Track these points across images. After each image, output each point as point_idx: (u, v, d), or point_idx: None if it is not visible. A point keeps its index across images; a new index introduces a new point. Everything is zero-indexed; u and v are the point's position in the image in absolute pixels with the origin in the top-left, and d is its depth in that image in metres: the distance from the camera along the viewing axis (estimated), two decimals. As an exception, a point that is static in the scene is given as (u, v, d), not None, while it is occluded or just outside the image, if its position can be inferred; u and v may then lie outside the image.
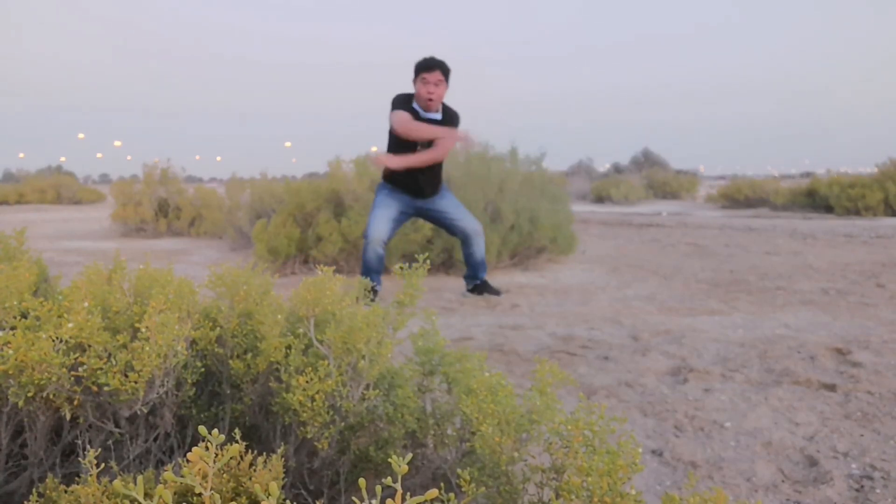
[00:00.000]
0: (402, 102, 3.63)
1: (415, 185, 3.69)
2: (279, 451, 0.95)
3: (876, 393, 2.14)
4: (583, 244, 6.30)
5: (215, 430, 0.72)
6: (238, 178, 7.83)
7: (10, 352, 1.03)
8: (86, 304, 1.15)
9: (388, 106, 3.67)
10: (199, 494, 0.80)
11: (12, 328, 1.13)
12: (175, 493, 0.84)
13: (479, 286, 3.95)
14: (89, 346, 1.11)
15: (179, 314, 1.22)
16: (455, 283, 4.55)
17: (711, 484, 1.55)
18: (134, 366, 1.09)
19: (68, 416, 1.12)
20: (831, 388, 2.21)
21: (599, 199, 19.06)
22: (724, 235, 7.88)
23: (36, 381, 1.05)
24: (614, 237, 7.91)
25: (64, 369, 1.07)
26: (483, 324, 3.31)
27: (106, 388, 1.09)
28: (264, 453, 0.95)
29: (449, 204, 3.80)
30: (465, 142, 3.78)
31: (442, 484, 0.99)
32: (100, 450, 0.96)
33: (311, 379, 1.18)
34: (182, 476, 0.70)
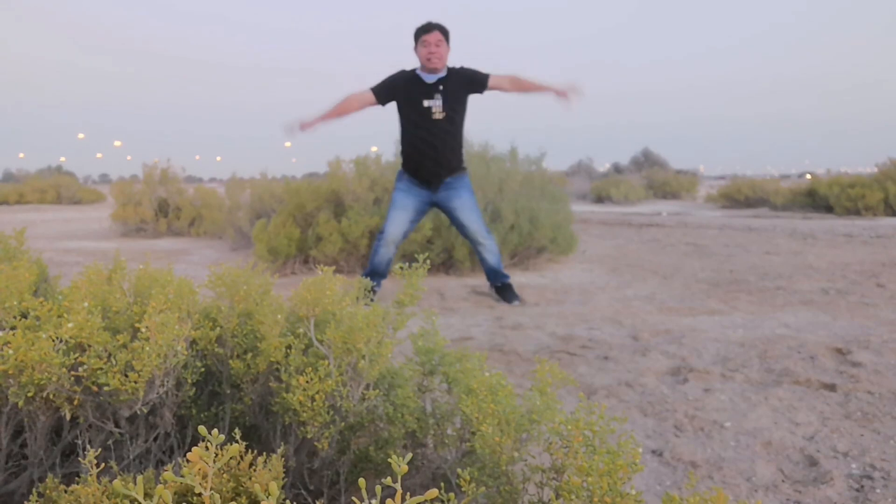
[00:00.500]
0: (394, 79, 3.60)
1: (431, 165, 3.61)
2: (279, 451, 0.95)
3: (876, 393, 2.14)
4: (583, 244, 6.30)
5: (215, 430, 0.72)
6: (238, 178, 7.83)
7: (10, 352, 1.03)
8: (86, 304, 1.15)
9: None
10: (199, 494, 0.80)
11: (12, 328, 1.13)
12: (175, 493, 0.84)
13: (500, 289, 3.90)
14: (89, 346, 1.11)
15: (179, 314, 1.22)
16: (455, 283, 4.55)
17: (711, 484, 1.55)
18: (134, 366, 1.09)
19: (68, 416, 1.12)
20: (831, 388, 2.21)
21: (599, 199, 19.06)
22: (724, 235, 7.88)
23: (36, 381, 1.05)
24: (614, 237, 7.91)
25: (64, 369, 1.07)
26: (483, 324, 3.31)
27: (106, 388, 1.09)
28: (264, 453, 0.95)
29: (463, 205, 3.70)
30: (571, 95, 3.59)
31: (442, 484, 0.99)
32: (100, 450, 0.96)
33: (311, 379, 1.18)
34: (182, 476, 0.70)
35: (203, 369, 1.27)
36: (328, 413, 1.19)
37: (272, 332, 1.28)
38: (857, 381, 2.26)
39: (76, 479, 0.91)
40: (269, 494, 0.66)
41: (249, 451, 0.94)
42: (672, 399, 2.12)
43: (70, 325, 1.09)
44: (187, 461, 0.73)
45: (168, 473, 0.68)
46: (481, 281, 4.39)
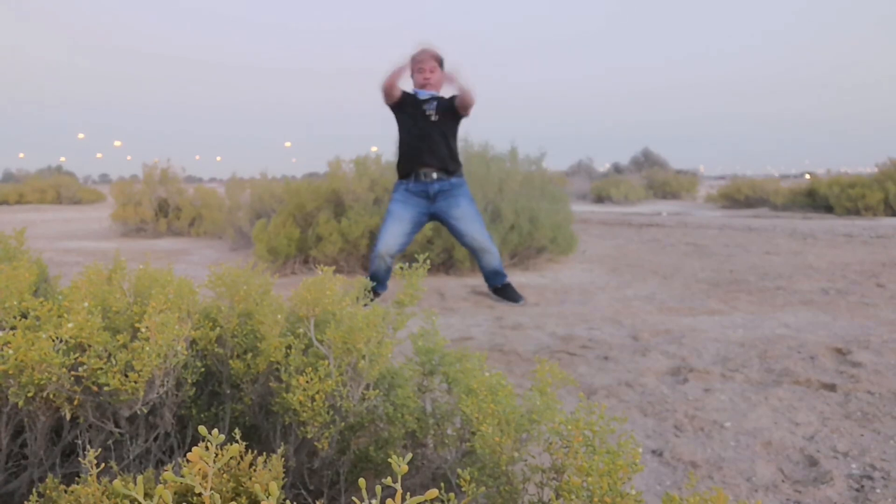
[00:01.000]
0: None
1: (428, 159, 3.63)
2: (279, 451, 0.95)
3: (876, 393, 2.15)
4: (583, 244, 6.30)
5: (215, 430, 0.72)
6: (238, 178, 7.82)
7: (10, 352, 1.03)
8: (86, 304, 1.15)
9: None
10: (199, 494, 0.80)
11: (12, 328, 1.13)
12: (175, 493, 0.84)
13: (499, 289, 3.89)
14: (89, 346, 1.11)
15: (179, 314, 1.22)
16: (455, 283, 4.55)
17: (711, 484, 1.55)
18: (134, 366, 1.09)
19: (68, 416, 1.12)
20: (831, 388, 2.21)
21: (599, 199, 19.06)
22: (724, 235, 7.88)
23: (36, 381, 1.05)
24: (614, 237, 7.91)
25: (64, 369, 1.07)
26: (483, 324, 3.31)
27: (106, 388, 1.09)
28: (264, 453, 0.95)
29: (463, 215, 3.71)
30: (453, 78, 3.67)
31: (442, 484, 0.99)
32: (100, 450, 0.96)
33: (311, 379, 1.18)
34: (182, 476, 0.70)
35: (203, 369, 1.27)
36: (328, 413, 1.19)
37: (272, 332, 1.28)
38: (857, 381, 2.26)
39: (76, 479, 0.91)
40: (269, 494, 0.66)
41: (249, 451, 0.94)
42: (672, 399, 2.12)
43: (70, 325, 1.09)
44: (187, 461, 0.73)
45: (168, 473, 0.68)
46: (481, 281, 4.39)
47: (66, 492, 0.91)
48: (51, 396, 1.10)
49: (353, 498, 0.74)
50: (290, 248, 4.93)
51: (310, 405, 1.17)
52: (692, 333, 2.99)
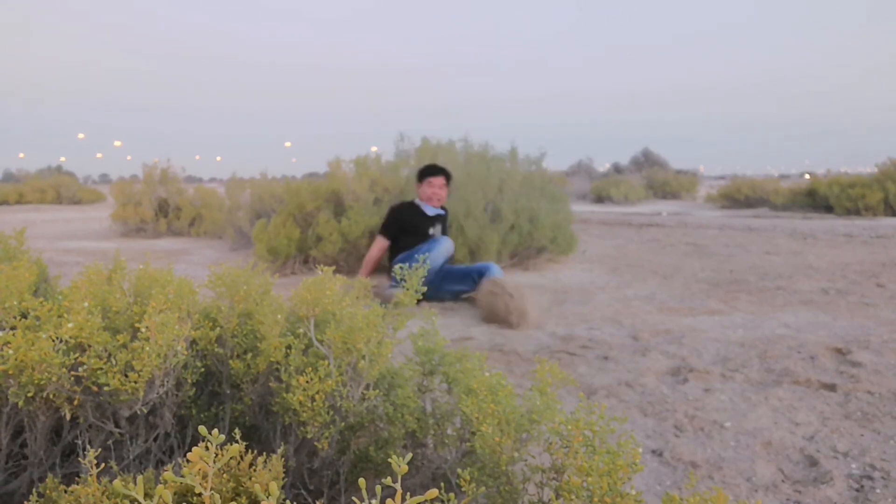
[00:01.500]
0: (398, 212, 4.22)
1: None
2: (279, 451, 0.95)
3: (876, 393, 2.14)
4: (583, 244, 6.30)
5: (215, 430, 0.72)
6: (238, 178, 7.82)
7: (10, 352, 1.03)
8: (86, 304, 1.15)
9: (387, 211, 4.32)
10: (199, 494, 0.80)
11: (12, 328, 1.13)
12: (175, 493, 0.84)
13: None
14: (89, 346, 1.11)
15: (179, 314, 1.22)
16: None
17: (711, 484, 1.55)
18: (134, 366, 1.09)
19: (68, 416, 1.12)
20: (831, 388, 2.21)
21: (599, 199, 19.06)
22: (724, 235, 7.88)
23: (36, 381, 1.05)
24: (614, 237, 7.91)
25: (64, 369, 1.07)
26: (483, 324, 3.31)
27: (106, 388, 1.09)
28: (264, 453, 0.95)
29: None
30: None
31: (442, 484, 0.99)
32: (100, 450, 0.96)
33: (311, 379, 1.18)
34: (182, 476, 0.70)
35: (203, 369, 1.27)
36: (328, 413, 1.19)
37: (272, 332, 1.28)
38: (857, 381, 2.26)
39: (76, 479, 0.91)
40: (269, 494, 0.66)
41: (249, 451, 0.94)
42: (672, 399, 2.12)
43: (70, 325, 1.09)
44: (187, 461, 0.73)
45: (168, 473, 0.68)
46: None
47: (66, 492, 0.91)
48: (51, 396, 1.10)
49: (353, 498, 0.74)
50: (290, 248, 4.93)
51: (310, 405, 1.17)
52: (692, 333, 2.99)
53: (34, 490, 0.91)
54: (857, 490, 1.51)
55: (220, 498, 0.85)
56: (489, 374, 1.19)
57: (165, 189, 9.07)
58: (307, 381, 1.18)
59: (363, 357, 1.24)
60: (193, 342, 1.29)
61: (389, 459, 0.68)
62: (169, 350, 1.11)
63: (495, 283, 3.41)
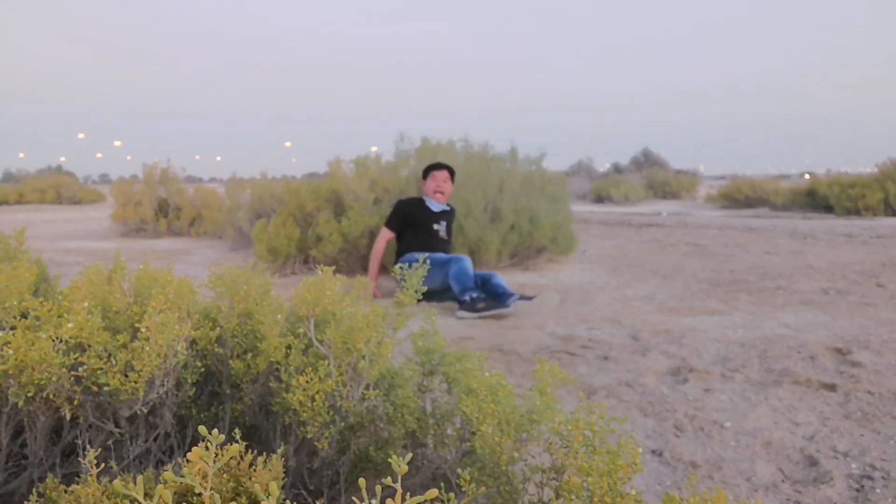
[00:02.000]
0: (405, 206, 4.27)
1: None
2: (279, 451, 0.95)
3: (876, 393, 2.14)
4: (583, 244, 6.30)
5: (215, 430, 0.72)
6: (238, 178, 7.82)
7: (10, 352, 1.03)
8: (86, 304, 1.15)
9: (394, 204, 4.39)
10: (199, 494, 0.80)
11: (12, 328, 1.13)
12: (175, 493, 0.84)
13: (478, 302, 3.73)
14: (89, 346, 1.11)
15: (179, 314, 1.22)
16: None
17: (711, 484, 1.55)
18: (134, 366, 1.09)
19: (68, 416, 1.12)
20: (831, 388, 2.21)
21: (599, 199, 19.05)
22: (724, 235, 7.88)
23: (36, 381, 1.05)
24: (614, 237, 7.91)
25: (64, 369, 1.07)
26: (483, 324, 3.31)
27: (106, 388, 1.09)
28: (264, 453, 0.95)
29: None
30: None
31: (442, 484, 0.99)
32: (100, 450, 0.96)
33: (311, 379, 1.18)
34: (182, 476, 0.70)
35: (203, 369, 1.27)
36: (328, 413, 1.19)
37: (272, 332, 1.28)
38: (857, 381, 2.26)
39: (76, 479, 0.91)
40: (269, 494, 0.66)
41: (249, 451, 0.94)
42: (672, 399, 2.12)
43: (70, 325, 1.09)
44: (187, 461, 0.73)
45: (168, 473, 0.68)
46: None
47: (66, 492, 0.91)
48: (51, 396, 1.10)
49: (353, 498, 0.74)
50: (290, 248, 4.93)
51: (310, 405, 1.17)
52: (692, 333, 2.99)
53: (34, 490, 0.91)
54: (857, 490, 1.51)
55: (220, 498, 0.85)
56: (489, 374, 1.19)
57: (165, 189, 9.07)
58: (307, 381, 1.18)
59: (363, 357, 1.24)
60: (193, 342, 1.29)
61: (389, 459, 0.68)
62: (169, 350, 1.11)
63: None
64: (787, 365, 2.46)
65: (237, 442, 0.83)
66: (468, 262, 3.85)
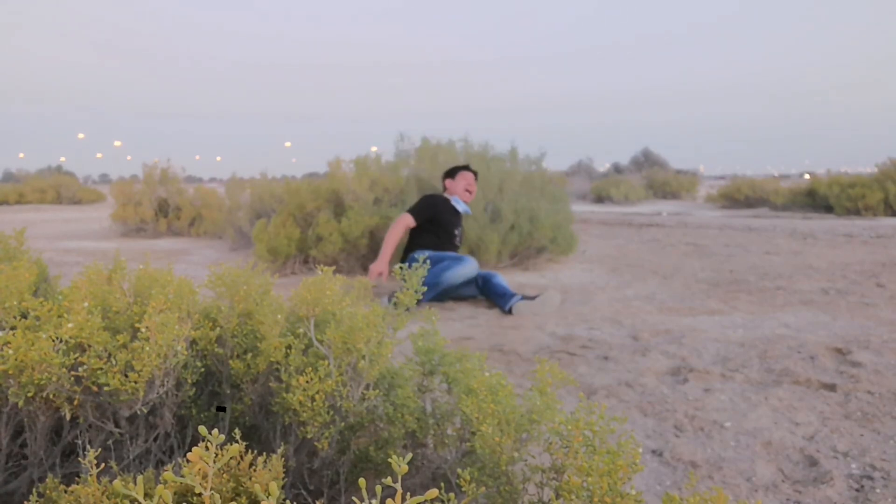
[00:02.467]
0: (434, 202, 4.19)
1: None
2: (279, 451, 0.95)
3: (876, 393, 2.14)
4: (583, 244, 6.30)
5: (215, 430, 0.72)
6: (238, 178, 7.82)
7: (10, 352, 1.03)
8: (86, 304, 1.15)
9: (421, 197, 4.31)
10: (199, 494, 0.80)
11: (12, 328, 1.13)
12: (175, 493, 0.84)
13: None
14: (89, 346, 1.11)
15: (179, 314, 1.22)
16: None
17: (711, 484, 1.55)
18: (134, 366, 1.09)
19: (68, 416, 1.12)
20: (831, 388, 2.21)
21: (599, 199, 19.06)
22: (724, 235, 7.88)
23: (36, 381, 1.05)
24: (614, 237, 7.91)
25: (64, 369, 1.07)
26: (483, 324, 3.31)
27: (106, 388, 1.09)
28: (264, 453, 0.95)
29: None
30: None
31: (442, 484, 0.99)
32: (100, 450, 0.96)
33: (311, 379, 1.18)
34: (182, 476, 0.70)
35: (203, 369, 1.27)
36: (328, 413, 1.19)
37: (272, 332, 1.28)
38: (857, 381, 2.26)
39: (76, 479, 0.91)
40: (269, 494, 0.66)
41: (249, 451, 0.94)
42: (672, 399, 2.12)
43: (70, 325, 1.09)
44: (187, 461, 0.73)
45: (168, 473, 0.68)
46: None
47: (66, 492, 0.91)
48: (51, 396, 1.10)
49: (353, 498, 0.74)
50: (290, 248, 4.93)
51: (310, 405, 1.17)
52: (692, 333, 2.99)
53: (34, 490, 0.91)
54: (857, 490, 1.51)
55: (220, 498, 0.85)
56: (489, 374, 1.19)
57: (165, 189, 9.07)
58: (307, 381, 1.18)
59: (363, 357, 1.24)
60: (193, 342, 1.29)
61: (389, 459, 0.68)
62: (169, 350, 1.11)
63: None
64: (787, 365, 2.46)
65: (237, 442, 0.83)
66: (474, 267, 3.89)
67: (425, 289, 1.40)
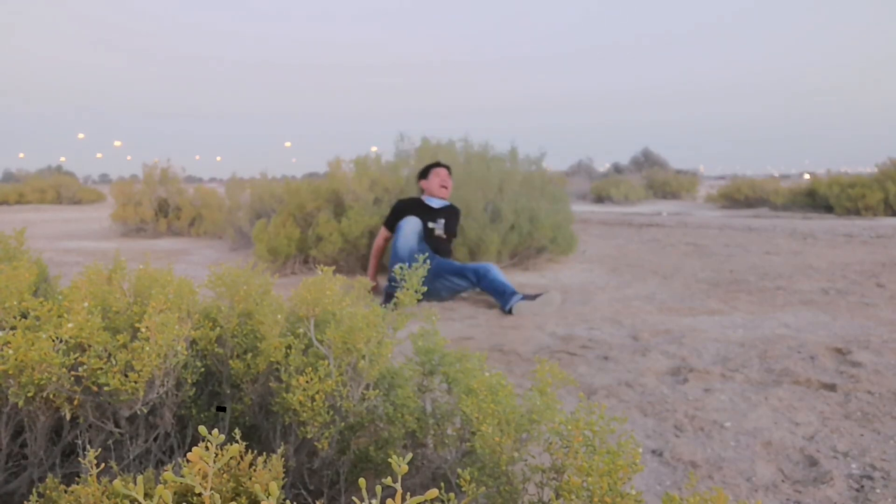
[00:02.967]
0: (402, 205, 4.26)
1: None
2: (279, 451, 0.95)
3: (876, 393, 2.14)
4: (583, 244, 6.30)
5: (215, 430, 0.72)
6: (238, 178, 7.81)
7: (10, 352, 1.03)
8: (86, 304, 1.15)
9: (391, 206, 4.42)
10: (199, 494, 0.80)
11: (12, 328, 1.13)
12: (175, 493, 0.84)
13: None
14: (89, 346, 1.11)
15: (179, 314, 1.22)
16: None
17: (711, 484, 1.55)
18: (134, 366, 1.09)
19: (68, 416, 1.12)
20: (831, 388, 2.21)
21: (599, 199, 19.05)
22: (724, 235, 7.88)
23: (36, 381, 1.05)
24: (614, 237, 7.91)
25: (64, 369, 1.07)
26: (483, 324, 3.31)
27: (106, 388, 1.09)
28: (264, 453, 0.95)
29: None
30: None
31: (442, 484, 0.99)
32: (100, 450, 0.96)
33: (311, 379, 1.18)
34: (182, 476, 0.70)
35: (203, 369, 1.27)
36: (328, 413, 1.19)
37: (272, 332, 1.28)
38: (857, 381, 2.26)
39: (76, 479, 0.91)
40: (269, 494, 0.66)
41: (249, 451, 0.94)
42: (672, 399, 2.12)
43: (70, 325, 1.09)
44: (187, 461, 0.73)
45: (168, 473, 0.68)
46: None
47: (66, 492, 0.91)
48: (51, 396, 1.10)
49: (353, 498, 0.74)
50: (290, 248, 4.93)
51: (310, 405, 1.17)
52: (692, 333, 2.99)
53: (34, 490, 0.91)
54: (857, 490, 1.51)
55: (220, 498, 0.85)
56: (489, 374, 1.19)
57: (165, 189, 9.07)
58: (307, 381, 1.18)
59: (363, 357, 1.24)
60: (193, 342, 1.29)
61: (389, 459, 0.68)
62: (169, 350, 1.11)
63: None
64: (787, 365, 2.46)
65: (237, 442, 0.83)
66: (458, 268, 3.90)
67: (425, 289, 1.41)
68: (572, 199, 8.73)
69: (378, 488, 0.72)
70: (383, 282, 4.38)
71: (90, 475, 0.85)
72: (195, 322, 1.29)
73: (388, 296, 3.77)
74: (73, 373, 1.09)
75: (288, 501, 0.86)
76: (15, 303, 1.21)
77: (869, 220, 10.38)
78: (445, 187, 4.31)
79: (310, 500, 1.26)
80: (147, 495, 0.76)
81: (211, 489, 0.75)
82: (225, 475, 0.89)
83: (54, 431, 1.22)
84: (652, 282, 4.57)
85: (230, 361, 1.29)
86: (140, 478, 0.71)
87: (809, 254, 5.91)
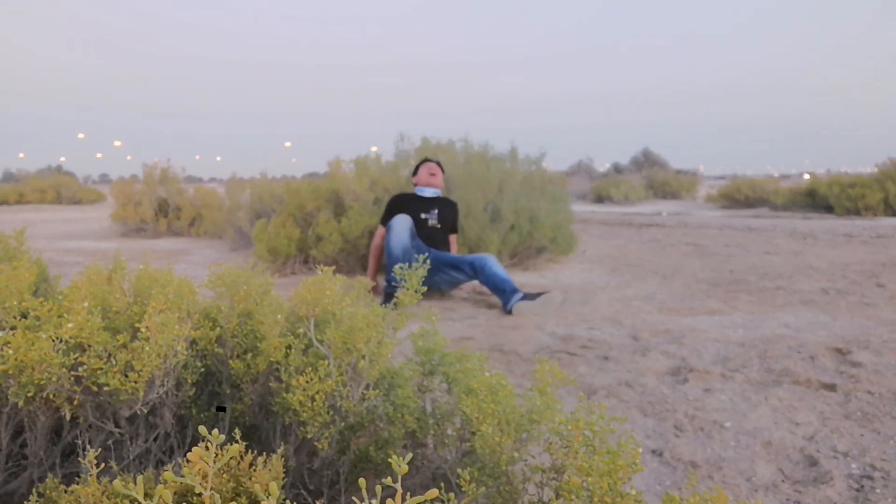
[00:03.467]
0: (394, 200, 4.32)
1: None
2: (279, 451, 0.95)
3: (876, 393, 2.14)
4: (583, 244, 6.30)
5: (215, 430, 0.72)
6: (238, 178, 7.81)
7: (10, 352, 1.03)
8: (86, 304, 1.15)
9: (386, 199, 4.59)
10: (199, 494, 0.80)
11: (12, 328, 1.13)
12: (175, 493, 0.84)
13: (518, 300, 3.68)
14: (89, 346, 1.11)
15: (179, 314, 1.22)
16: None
17: (711, 484, 1.55)
18: (134, 366, 1.09)
19: (68, 416, 1.12)
20: (831, 388, 2.21)
21: (599, 199, 19.05)
22: (724, 235, 7.88)
23: (36, 381, 1.05)
24: (614, 237, 7.91)
25: (64, 369, 1.07)
26: (483, 324, 3.31)
27: (106, 388, 1.09)
28: (264, 453, 0.95)
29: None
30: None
31: (442, 484, 0.99)
32: (100, 450, 0.96)
33: (311, 379, 1.18)
34: (182, 476, 0.70)
35: (203, 369, 1.27)
36: (328, 413, 1.19)
37: (272, 332, 1.28)
38: (857, 381, 2.26)
39: (76, 479, 0.91)
40: (269, 494, 0.66)
41: (249, 451, 0.94)
42: (672, 399, 2.12)
43: (70, 325, 1.09)
44: (187, 461, 0.73)
45: (168, 473, 0.68)
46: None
47: (66, 492, 0.91)
48: (51, 396, 1.10)
49: (353, 498, 0.74)
50: (290, 248, 4.93)
51: (310, 405, 1.17)
52: (692, 333, 2.99)
53: (34, 490, 0.91)
54: (857, 490, 1.51)
55: (220, 498, 0.85)
56: (489, 374, 1.19)
57: (165, 189, 9.07)
58: (307, 381, 1.18)
59: (363, 357, 1.24)
60: (193, 342, 1.29)
61: (389, 459, 0.68)
62: (169, 350, 1.11)
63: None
64: (787, 365, 2.46)
65: (237, 442, 0.83)
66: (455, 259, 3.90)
67: (425, 289, 1.41)
68: (572, 199, 8.73)
69: (378, 488, 0.72)
70: (383, 281, 4.39)
71: (90, 475, 0.85)
72: (195, 322, 1.29)
73: (388, 295, 3.77)
74: (73, 373, 1.09)
75: (288, 501, 0.86)
76: (15, 303, 1.21)
77: (869, 220, 10.38)
78: (433, 174, 4.34)
79: (310, 500, 1.26)
80: (147, 495, 0.76)
81: (211, 489, 0.75)
82: (225, 475, 0.89)
83: (54, 431, 1.22)
84: (652, 282, 4.57)
85: (230, 361, 1.29)
86: (140, 478, 0.71)
87: (809, 254, 5.91)
